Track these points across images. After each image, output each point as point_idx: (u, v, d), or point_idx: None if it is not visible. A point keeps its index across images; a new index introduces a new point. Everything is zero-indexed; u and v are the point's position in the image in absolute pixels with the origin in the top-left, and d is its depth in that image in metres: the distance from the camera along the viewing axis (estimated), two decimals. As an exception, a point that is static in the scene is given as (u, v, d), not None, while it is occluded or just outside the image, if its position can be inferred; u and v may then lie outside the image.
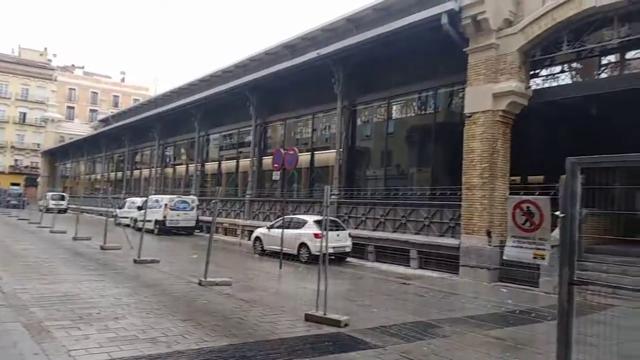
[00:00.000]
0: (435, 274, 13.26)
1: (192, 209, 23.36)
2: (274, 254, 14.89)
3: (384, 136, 17.90)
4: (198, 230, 23.67)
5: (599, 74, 13.05)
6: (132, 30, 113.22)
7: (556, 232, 4.31)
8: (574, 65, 13.57)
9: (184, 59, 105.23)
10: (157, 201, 22.73)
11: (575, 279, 3.95)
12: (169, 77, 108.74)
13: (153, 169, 34.08)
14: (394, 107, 17.73)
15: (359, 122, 18.69)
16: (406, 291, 11.12)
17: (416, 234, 14.62)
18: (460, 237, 13.11)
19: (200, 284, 9.94)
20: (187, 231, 23.04)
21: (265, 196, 21.84)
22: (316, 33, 21.10)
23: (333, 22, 20.27)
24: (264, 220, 20.67)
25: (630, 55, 12.24)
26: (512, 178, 13.49)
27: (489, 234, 12.40)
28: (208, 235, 11.66)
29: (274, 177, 17.92)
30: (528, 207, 4.50)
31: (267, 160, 21.79)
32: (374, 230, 16.01)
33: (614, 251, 11.08)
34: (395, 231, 15.28)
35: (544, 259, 4.52)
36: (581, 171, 10.42)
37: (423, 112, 16.49)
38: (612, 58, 12.43)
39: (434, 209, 14.31)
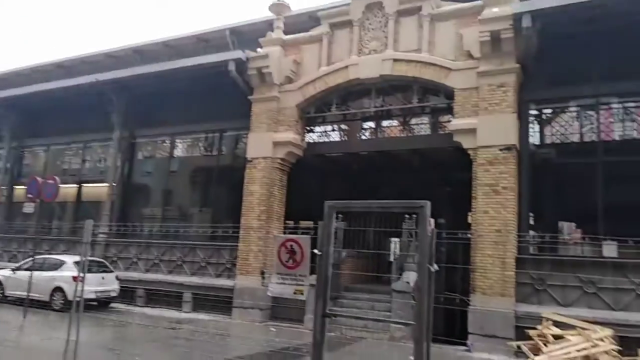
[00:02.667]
0: (208, 317, 12.96)
1: None
2: (20, 301, 12.52)
3: (166, 174, 17.15)
4: None
5: (361, 136, 15.26)
6: None
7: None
8: (342, 126, 15.59)
9: None
10: None
11: (327, 311, 4.33)
12: None
13: None
14: (179, 145, 17.32)
15: (139, 156, 17.61)
16: (175, 336, 10.54)
17: (192, 275, 14.19)
18: (235, 279, 13.23)
19: None
20: None
21: (14, 232, 18.46)
22: (99, 58, 19.49)
23: (118, 50, 19.11)
24: (9, 261, 17.36)
25: (384, 123, 14.71)
26: (287, 222, 14.39)
27: (262, 274, 12.84)
28: None
29: (24, 210, 15.39)
30: (292, 246, 4.82)
31: (22, 191, 18.58)
32: (146, 272, 14.95)
33: (366, 289, 12.64)
34: (170, 273, 14.56)
35: (302, 294, 4.86)
36: (343, 216, 11.65)
37: (208, 153, 16.49)
38: (371, 124, 14.67)
39: (211, 250, 14.18)
